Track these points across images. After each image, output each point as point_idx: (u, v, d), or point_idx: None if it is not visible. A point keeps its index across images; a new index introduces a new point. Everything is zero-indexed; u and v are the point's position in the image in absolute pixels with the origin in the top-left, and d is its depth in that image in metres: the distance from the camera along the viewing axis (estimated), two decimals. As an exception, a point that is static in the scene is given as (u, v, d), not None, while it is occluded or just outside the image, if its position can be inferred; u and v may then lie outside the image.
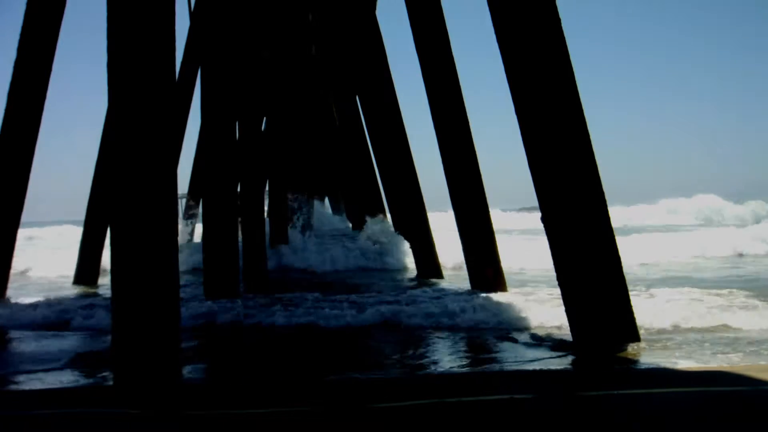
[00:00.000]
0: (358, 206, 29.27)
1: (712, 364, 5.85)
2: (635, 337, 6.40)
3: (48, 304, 10.07)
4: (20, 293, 11.88)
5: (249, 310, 9.39)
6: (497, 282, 10.64)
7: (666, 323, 7.58)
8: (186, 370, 6.16)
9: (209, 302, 9.90)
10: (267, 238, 15.95)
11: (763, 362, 5.87)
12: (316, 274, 15.56)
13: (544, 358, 6.39)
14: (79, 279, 14.23)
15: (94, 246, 14.81)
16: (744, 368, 5.48)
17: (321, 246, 17.89)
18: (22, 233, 11.87)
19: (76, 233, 18.14)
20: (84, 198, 14.67)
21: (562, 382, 5.43)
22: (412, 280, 13.78)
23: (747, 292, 9.94)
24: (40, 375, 6.23)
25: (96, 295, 12.34)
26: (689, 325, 7.57)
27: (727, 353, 6.26)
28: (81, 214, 14.35)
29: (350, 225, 28.13)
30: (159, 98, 5.69)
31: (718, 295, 9.63)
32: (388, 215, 19.18)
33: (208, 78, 10.71)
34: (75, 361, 6.66)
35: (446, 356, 6.80)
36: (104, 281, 13.86)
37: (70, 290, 13.26)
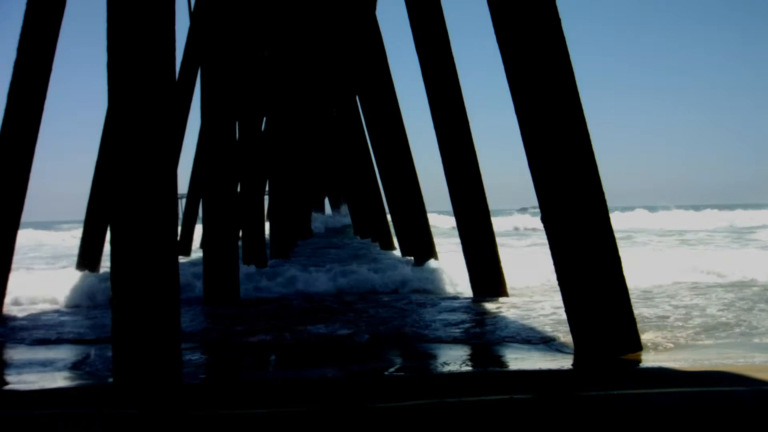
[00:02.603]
0: (360, 207, 29.31)
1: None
2: (636, 343, 6.31)
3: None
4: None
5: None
6: (498, 285, 10.61)
7: None
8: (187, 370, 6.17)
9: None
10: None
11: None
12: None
13: (544, 359, 6.39)
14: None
15: (94, 245, 14.94)
16: (744, 368, 5.48)
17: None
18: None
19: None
20: (83, 198, 14.76)
21: (562, 382, 5.42)
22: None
23: None
24: (41, 374, 6.23)
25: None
26: None
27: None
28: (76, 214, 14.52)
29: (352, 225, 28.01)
30: (159, 98, 5.69)
31: None
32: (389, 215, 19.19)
33: (208, 78, 10.71)
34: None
35: (446, 357, 6.80)
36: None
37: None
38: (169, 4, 5.89)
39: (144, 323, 5.52)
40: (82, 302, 11.19)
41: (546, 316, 8.70)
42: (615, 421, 4.15)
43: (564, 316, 6.63)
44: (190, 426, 4.29)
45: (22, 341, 8.04)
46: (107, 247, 6.42)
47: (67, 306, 11.06)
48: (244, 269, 12.69)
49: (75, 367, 6.58)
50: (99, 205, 14.68)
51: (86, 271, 14.35)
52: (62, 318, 9.91)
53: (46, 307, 10.94)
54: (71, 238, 34.15)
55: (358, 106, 23.73)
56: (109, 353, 5.77)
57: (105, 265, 14.46)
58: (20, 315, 10.08)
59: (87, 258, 14.96)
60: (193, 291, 11.17)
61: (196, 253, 20.94)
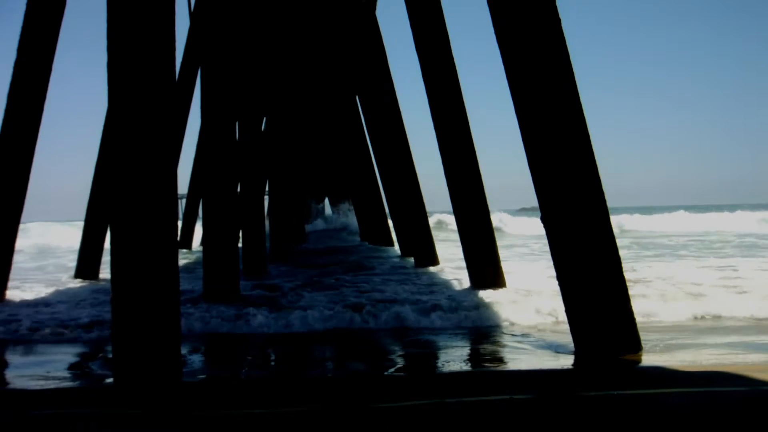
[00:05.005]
0: (361, 207, 29.33)
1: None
2: (636, 343, 6.29)
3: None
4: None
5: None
6: (496, 281, 10.63)
7: None
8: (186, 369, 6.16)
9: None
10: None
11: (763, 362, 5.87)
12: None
13: (544, 359, 6.39)
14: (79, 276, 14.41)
15: (94, 244, 14.91)
16: (744, 368, 5.48)
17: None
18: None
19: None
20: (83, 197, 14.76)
21: (562, 382, 5.43)
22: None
23: None
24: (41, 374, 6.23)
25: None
26: None
27: None
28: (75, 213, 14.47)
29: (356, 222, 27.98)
30: (159, 98, 5.68)
31: None
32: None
33: (208, 78, 10.71)
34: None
35: (446, 356, 6.80)
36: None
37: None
38: (169, 4, 5.89)
39: (144, 323, 5.52)
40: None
41: (543, 309, 8.66)
42: (615, 421, 4.16)
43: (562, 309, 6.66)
44: (191, 426, 4.29)
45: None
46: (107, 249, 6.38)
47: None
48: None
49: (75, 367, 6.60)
50: (98, 208, 14.57)
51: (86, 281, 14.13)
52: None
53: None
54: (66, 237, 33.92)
55: (358, 106, 23.74)
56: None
57: (105, 272, 14.35)
58: None
59: (86, 264, 14.50)
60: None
61: (197, 250, 20.82)
